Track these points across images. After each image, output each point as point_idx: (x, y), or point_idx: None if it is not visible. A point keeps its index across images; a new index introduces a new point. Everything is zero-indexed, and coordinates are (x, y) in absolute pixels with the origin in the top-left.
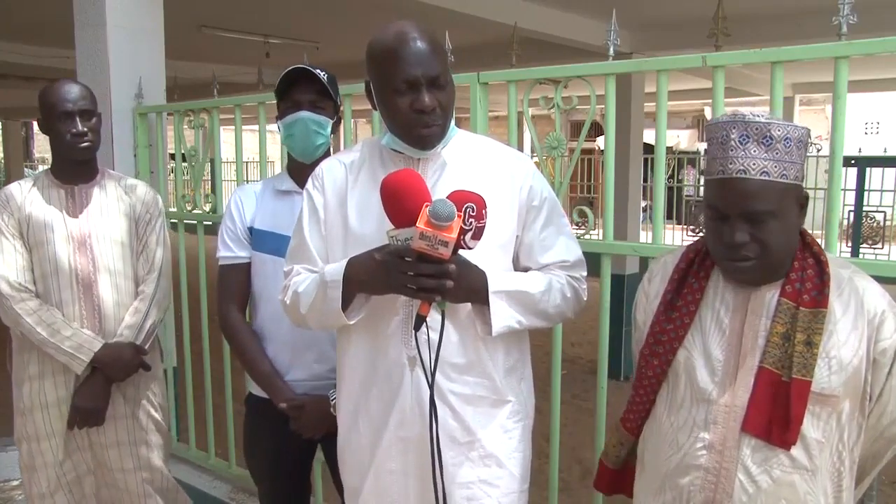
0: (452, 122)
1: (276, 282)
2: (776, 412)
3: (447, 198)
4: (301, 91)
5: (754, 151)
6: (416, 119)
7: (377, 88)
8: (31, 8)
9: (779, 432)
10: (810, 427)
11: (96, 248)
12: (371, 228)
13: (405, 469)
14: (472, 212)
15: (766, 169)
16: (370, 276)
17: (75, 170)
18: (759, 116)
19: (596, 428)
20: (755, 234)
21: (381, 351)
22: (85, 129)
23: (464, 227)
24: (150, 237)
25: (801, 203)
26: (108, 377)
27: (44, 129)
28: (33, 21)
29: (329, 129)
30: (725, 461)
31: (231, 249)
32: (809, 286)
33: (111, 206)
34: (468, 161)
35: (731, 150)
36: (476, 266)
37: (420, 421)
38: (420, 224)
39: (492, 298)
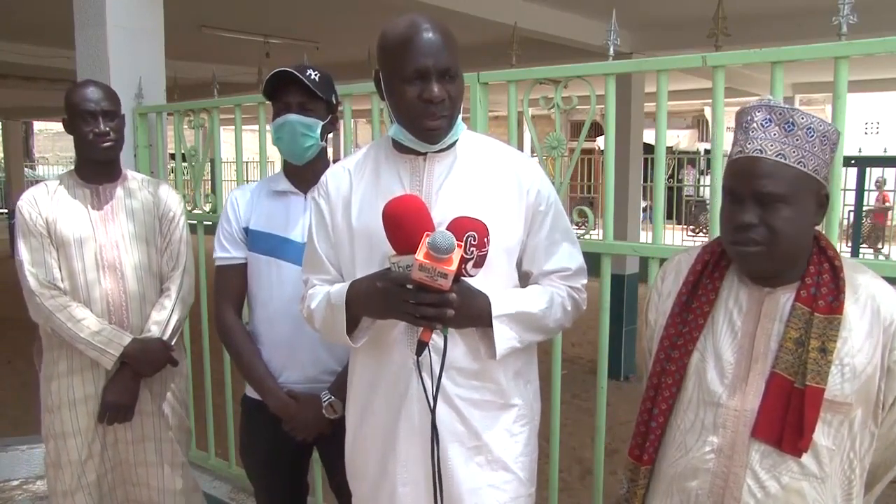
0: (460, 118)
1: (269, 283)
2: (788, 419)
3: (448, 227)
4: (290, 93)
5: (774, 134)
6: (424, 109)
7: (386, 78)
8: (31, 8)
9: (790, 440)
10: (821, 435)
11: (121, 246)
12: (374, 222)
13: (416, 479)
14: (474, 240)
15: (782, 151)
16: (371, 302)
17: (99, 170)
18: (786, 104)
19: (596, 428)
20: (765, 219)
21: (387, 356)
22: (107, 129)
23: (465, 255)
24: (173, 234)
25: (819, 201)
26: (136, 372)
27: (68, 129)
28: (33, 21)
29: (318, 131)
30: (734, 465)
31: (227, 250)
32: (825, 291)
33: (135, 204)
34: (475, 162)
35: (752, 132)
36: (479, 291)
37: (429, 429)
38: (419, 256)
39: (495, 324)
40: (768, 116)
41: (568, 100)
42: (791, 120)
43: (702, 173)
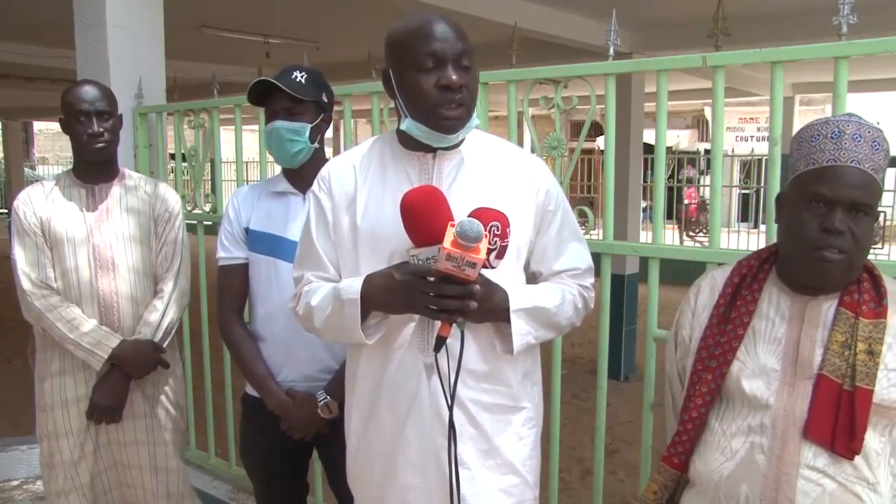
0: (475, 114)
1: (268, 282)
2: (839, 421)
3: (470, 216)
4: (274, 99)
5: (866, 150)
6: (442, 97)
7: (398, 72)
8: (31, 8)
9: (843, 441)
10: (869, 438)
11: (115, 246)
12: (380, 221)
13: (426, 485)
14: (497, 230)
15: (874, 168)
16: (389, 296)
17: (94, 170)
18: (869, 121)
19: (596, 428)
20: (852, 228)
21: (394, 358)
22: (100, 130)
23: (489, 246)
24: (168, 235)
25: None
26: (126, 374)
27: (65, 129)
28: (33, 21)
29: (307, 134)
30: (785, 466)
31: (228, 250)
32: (867, 298)
33: (131, 204)
34: (484, 161)
35: (845, 143)
36: (498, 285)
37: (440, 432)
38: (447, 245)
39: (513, 318)
40: (858, 132)
41: (568, 100)
42: (878, 139)
43: (702, 173)
